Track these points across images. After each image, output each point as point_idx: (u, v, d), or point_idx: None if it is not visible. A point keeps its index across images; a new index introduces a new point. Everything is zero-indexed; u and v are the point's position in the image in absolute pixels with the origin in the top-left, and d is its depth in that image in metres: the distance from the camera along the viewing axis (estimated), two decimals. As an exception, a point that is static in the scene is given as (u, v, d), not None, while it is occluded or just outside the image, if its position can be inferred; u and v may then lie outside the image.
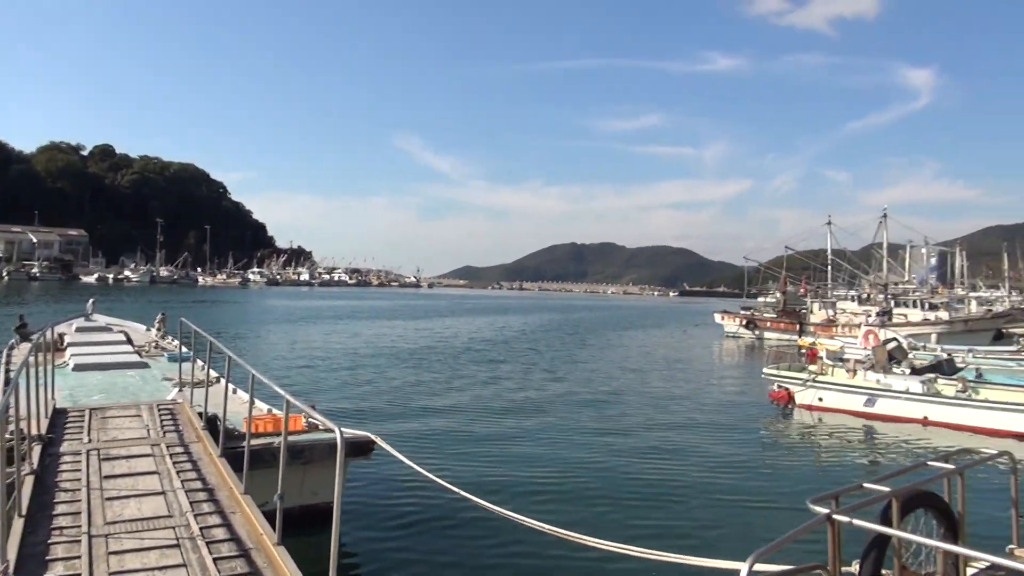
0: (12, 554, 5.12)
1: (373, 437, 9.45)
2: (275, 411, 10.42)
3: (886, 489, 3.82)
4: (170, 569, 5.11)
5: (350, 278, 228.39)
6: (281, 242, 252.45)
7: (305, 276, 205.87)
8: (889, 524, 3.75)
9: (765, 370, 23.88)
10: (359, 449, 9.43)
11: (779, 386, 22.37)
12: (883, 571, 3.92)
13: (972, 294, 73.32)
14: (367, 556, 9.03)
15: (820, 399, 21.32)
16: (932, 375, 20.37)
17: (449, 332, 52.46)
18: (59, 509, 6.23)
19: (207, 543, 5.56)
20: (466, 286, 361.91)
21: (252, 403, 7.60)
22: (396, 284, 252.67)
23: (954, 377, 20.27)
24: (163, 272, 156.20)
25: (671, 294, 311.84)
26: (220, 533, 5.81)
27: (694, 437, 17.80)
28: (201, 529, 5.84)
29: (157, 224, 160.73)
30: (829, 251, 68.96)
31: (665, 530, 10.33)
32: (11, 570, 4.79)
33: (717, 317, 63.57)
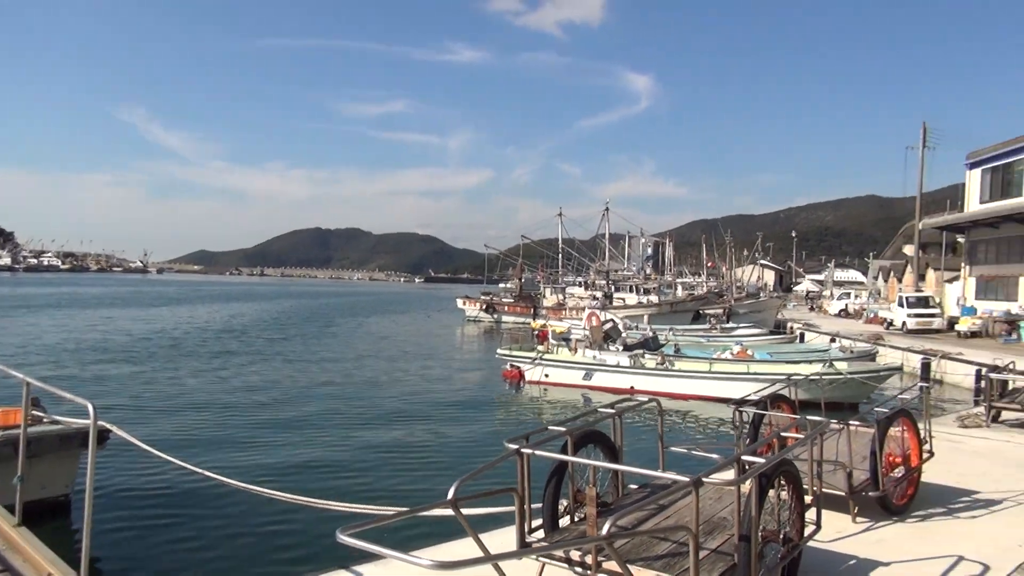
0: None
1: (108, 425, 9.28)
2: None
3: (563, 429, 4.94)
4: None
5: (63, 262, 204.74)
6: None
7: (6, 260, 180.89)
8: (565, 455, 4.87)
9: (499, 351, 25.83)
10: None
11: (511, 365, 24.34)
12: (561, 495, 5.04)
13: (679, 280, 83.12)
14: (112, 540, 8.91)
15: (547, 375, 23.53)
16: (639, 351, 23.33)
17: (179, 321, 49.44)
18: None
19: (-66, 533, 5.44)
20: (201, 272, 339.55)
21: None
22: (119, 269, 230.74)
23: (656, 352, 23.41)
24: None
25: (416, 280, 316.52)
26: (-54, 524, 5.66)
27: (433, 411, 19.09)
28: (-76, 522, 5.65)
29: None
30: (560, 240, 74.66)
31: (396, 487, 11.44)
32: None
33: (459, 302, 66.23)
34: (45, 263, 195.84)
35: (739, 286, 71.87)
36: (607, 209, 71.98)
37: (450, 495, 3.92)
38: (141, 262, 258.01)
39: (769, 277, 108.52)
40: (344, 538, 3.11)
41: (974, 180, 40.11)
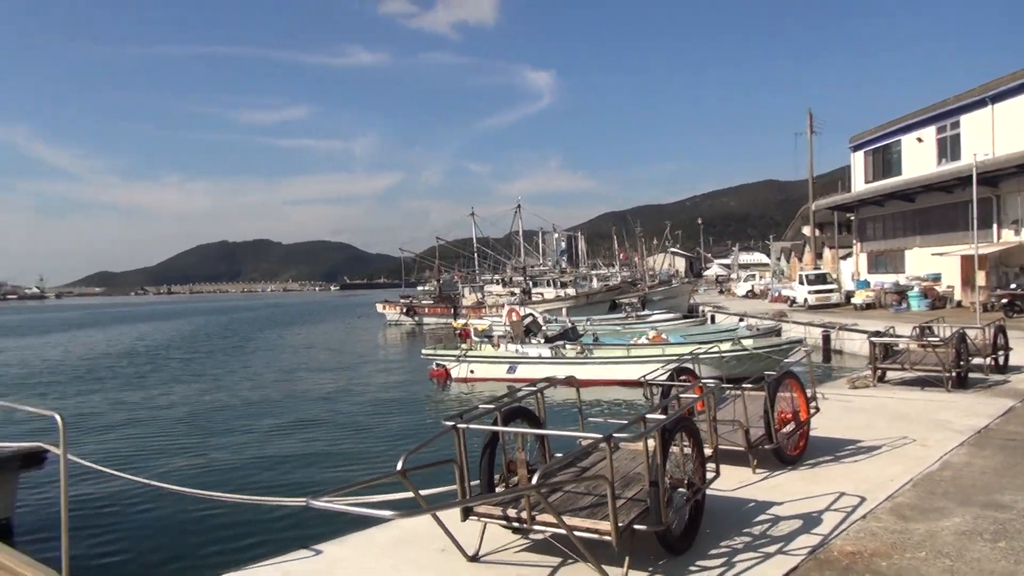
0: None
1: (45, 446, 9.39)
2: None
3: (492, 406, 5.58)
4: None
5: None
6: None
7: None
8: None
9: (424, 351, 26.31)
10: (31, 460, 9.33)
11: (437, 364, 24.86)
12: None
13: (594, 272, 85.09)
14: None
15: (472, 371, 24.15)
16: (560, 342, 24.24)
17: (93, 345, 47.88)
18: None
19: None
20: (104, 294, 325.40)
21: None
22: (14, 297, 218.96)
23: (575, 342, 24.36)
24: None
25: (332, 288, 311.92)
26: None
27: (366, 412, 19.66)
28: None
29: None
30: (475, 240, 75.42)
31: (343, 479, 11.97)
32: None
33: (379, 307, 66.15)
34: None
35: (651, 274, 74.15)
36: (519, 207, 73.29)
37: (399, 466, 4.50)
38: (37, 288, 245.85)
39: (680, 264, 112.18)
40: (316, 503, 3.66)
41: (858, 162, 42.84)
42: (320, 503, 3.63)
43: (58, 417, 5.06)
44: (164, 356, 39.03)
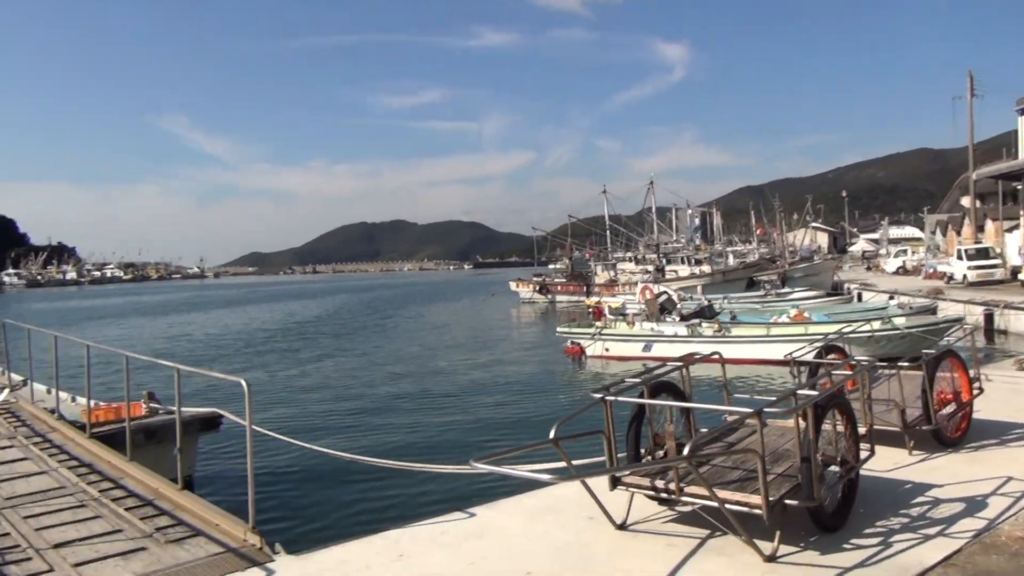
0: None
1: (219, 411, 10.28)
2: (112, 403, 10.96)
3: (638, 380, 5.68)
4: (90, 520, 5.95)
5: (125, 273, 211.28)
6: (38, 239, 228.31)
7: (72, 275, 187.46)
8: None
9: (559, 329, 26.60)
10: (208, 424, 10.27)
11: (572, 342, 25.05)
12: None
13: (729, 249, 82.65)
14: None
15: (607, 349, 24.19)
16: (696, 320, 23.85)
17: (250, 320, 51.40)
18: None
19: (111, 500, 6.43)
20: (256, 273, 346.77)
21: (90, 393, 8.28)
22: (179, 276, 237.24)
23: (712, 320, 23.88)
24: None
25: (465, 267, 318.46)
26: (118, 492, 6.65)
27: (503, 389, 20.16)
28: (99, 492, 6.66)
29: None
30: (607, 218, 74.82)
31: (495, 444, 12.52)
32: None
33: (512, 285, 67.06)
34: (108, 275, 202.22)
35: (792, 250, 71.21)
36: (651, 183, 72.12)
37: (551, 434, 4.69)
38: (198, 268, 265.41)
39: (822, 240, 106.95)
40: (478, 465, 3.90)
41: (1025, 126, 39.34)
42: (482, 465, 3.88)
43: (244, 383, 5.60)
44: (313, 332, 41.36)
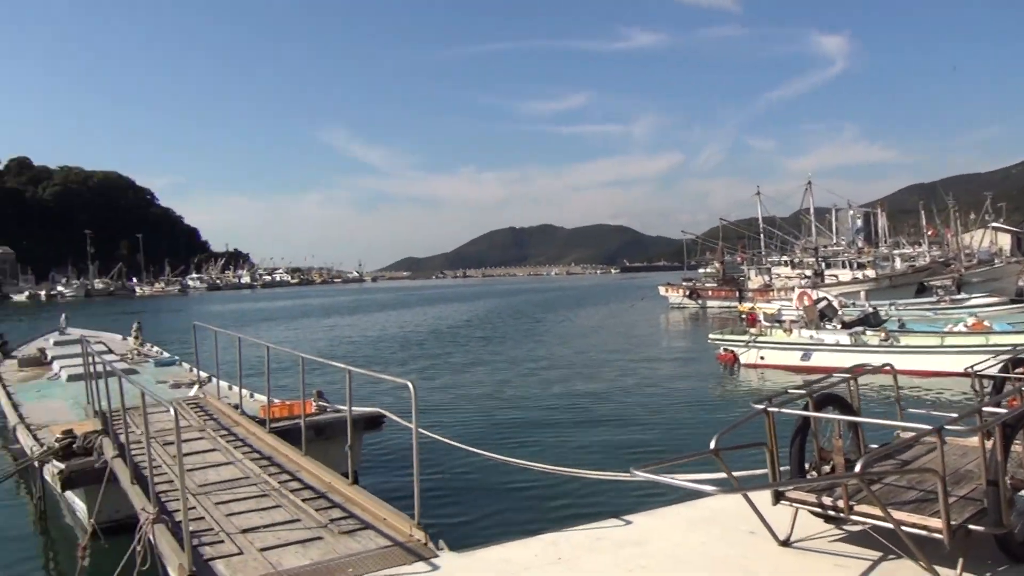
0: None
1: (383, 411, 10.82)
2: (285, 400, 11.77)
3: (803, 392, 5.46)
4: (272, 509, 6.49)
5: (292, 277, 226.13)
6: (216, 246, 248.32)
7: (246, 279, 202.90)
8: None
9: (711, 336, 25.94)
10: (372, 423, 10.83)
11: (725, 349, 24.37)
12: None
13: (896, 251, 77.50)
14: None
15: (762, 357, 23.36)
16: (860, 328, 22.54)
17: (404, 323, 53.66)
18: (154, 480, 7.47)
19: (290, 491, 6.96)
20: (410, 277, 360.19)
21: (270, 391, 8.93)
22: (339, 280, 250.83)
23: (878, 328, 22.51)
24: (98, 285, 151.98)
25: (613, 271, 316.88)
26: (295, 484, 7.20)
27: (656, 396, 20.01)
28: (279, 483, 7.23)
29: (86, 236, 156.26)
30: (760, 220, 72.11)
31: (649, 453, 12.51)
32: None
33: (661, 290, 66.01)
34: (277, 279, 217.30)
35: (968, 253, 65.84)
36: (809, 183, 68.91)
37: (712, 445, 4.62)
38: (357, 272, 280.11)
39: (1004, 241, 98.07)
40: (638, 473, 3.92)
41: None
42: (642, 473, 3.89)
43: (411, 385, 5.90)
44: (465, 336, 42.54)
